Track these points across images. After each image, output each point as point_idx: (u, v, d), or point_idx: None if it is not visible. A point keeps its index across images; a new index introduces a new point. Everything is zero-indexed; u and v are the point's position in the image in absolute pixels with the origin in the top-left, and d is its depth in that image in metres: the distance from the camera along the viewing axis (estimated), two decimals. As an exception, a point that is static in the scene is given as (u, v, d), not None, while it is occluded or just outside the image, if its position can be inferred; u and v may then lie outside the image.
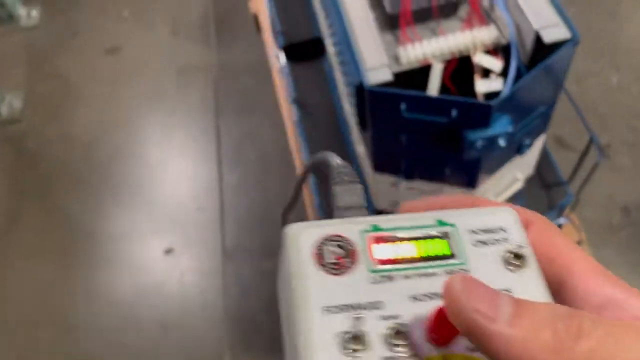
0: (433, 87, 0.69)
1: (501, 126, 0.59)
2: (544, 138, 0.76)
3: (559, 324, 0.18)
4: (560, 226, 0.86)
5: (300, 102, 1.07)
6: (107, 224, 1.55)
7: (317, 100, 1.06)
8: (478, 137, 0.59)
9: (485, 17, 0.71)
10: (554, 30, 0.61)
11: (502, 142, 0.61)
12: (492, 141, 0.60)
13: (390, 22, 0.71)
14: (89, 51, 1.92)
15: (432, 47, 0.68)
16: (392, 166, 0.70)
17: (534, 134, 0.70)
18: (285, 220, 0.48)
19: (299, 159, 1.27)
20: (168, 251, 1.49)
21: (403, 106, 0.59)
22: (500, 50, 0.69)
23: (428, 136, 0.62)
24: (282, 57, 1.22)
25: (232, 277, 1.43)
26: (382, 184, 0.75)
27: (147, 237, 1.53)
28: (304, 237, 0.23)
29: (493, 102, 0.56)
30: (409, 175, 0.70)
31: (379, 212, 0.81)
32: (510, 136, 0.60)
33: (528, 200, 0.87)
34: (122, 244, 1.52)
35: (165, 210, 1.56)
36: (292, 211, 0.45)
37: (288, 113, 1.33)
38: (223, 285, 1.42)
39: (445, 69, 0.69)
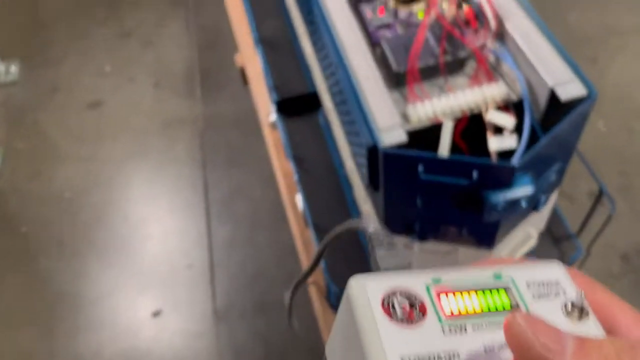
0: (444, 146, 0.67)
1: (523, 187, 0.57)
2: (557, 192, 0.74)
3: (624, 356, 0.19)
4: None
5: (296, 157, 1.04)
6: (91, 285, 1.49)
7: (314, 155, 1.03)
8: (500, 199, 0.56)
9: (493, 73, 0.69)
10: (569, 87, 0.60)
11: (523, 203, 0.58)
12: (513, 202, 0.57)
13: (396, 80, 0.69)
14: (70, 106, 1.89)
15: (442, 105, 0.66)
16: (405, 227, 0.67)
17: (550, 190, 0.67)
18: (295, 290, 0.44)
19: (294, 215, 1.24)
20: (156, 313, 1.42)
21: (420, 168, 0.57)
22: (512, 106, 0.67)
23: (446, 198, 0.59)
24: (275, 112, 1.20)
25: (225, 338, 1.37)
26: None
27: (134, 298, 1.46)
28: (371, 288, 0.23)
29: (515, 163, 0.54)
30: (423, 236, 0.67)
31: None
32: (532, 196, 0.58)
33: (538, 257, 0.84)
34: (108, 306, 1.45)
35: (152, 269, 1.50)
36: (307, 280, 0.42)
37: (280, 167, 1.31)
38: (216, 346, 1.36)
39: (456, 127, 0.68)
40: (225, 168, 1.65)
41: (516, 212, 0.59)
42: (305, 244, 1.20)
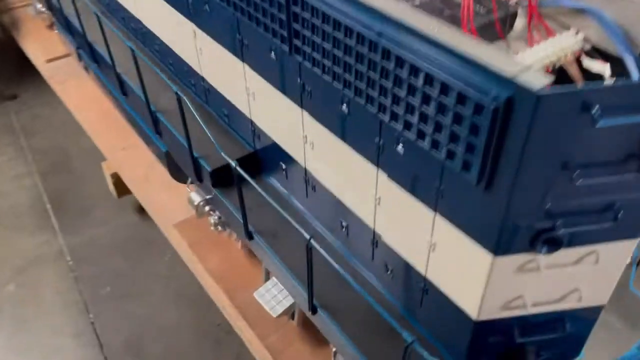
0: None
1: None
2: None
3: None
4: None
5: (260, 232, 0.79)
6: None
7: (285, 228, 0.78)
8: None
9: (547, 23, 0.56)
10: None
11: None
12: None
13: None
14: None
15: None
16: (529, 236, 0.47)
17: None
18: None
19: (247, 323, 0.97)
20: None
21: (596, 111, 0.38)
22: (593, 51, 0.53)
23: (620, 156, 0.41)
24: (196, 196, 0.95)
25: None
26: (501, 273, 0.50)
27: None
28: None
29: None
30: (564, 239, 0.47)
31: (482, 325, 0.55)
32: None
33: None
34: None
35: None
36: None
37: (208, 269, 1.03)
38: None
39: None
40: (116, 303, 1.28)
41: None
42: (272, 351, 0.93)
